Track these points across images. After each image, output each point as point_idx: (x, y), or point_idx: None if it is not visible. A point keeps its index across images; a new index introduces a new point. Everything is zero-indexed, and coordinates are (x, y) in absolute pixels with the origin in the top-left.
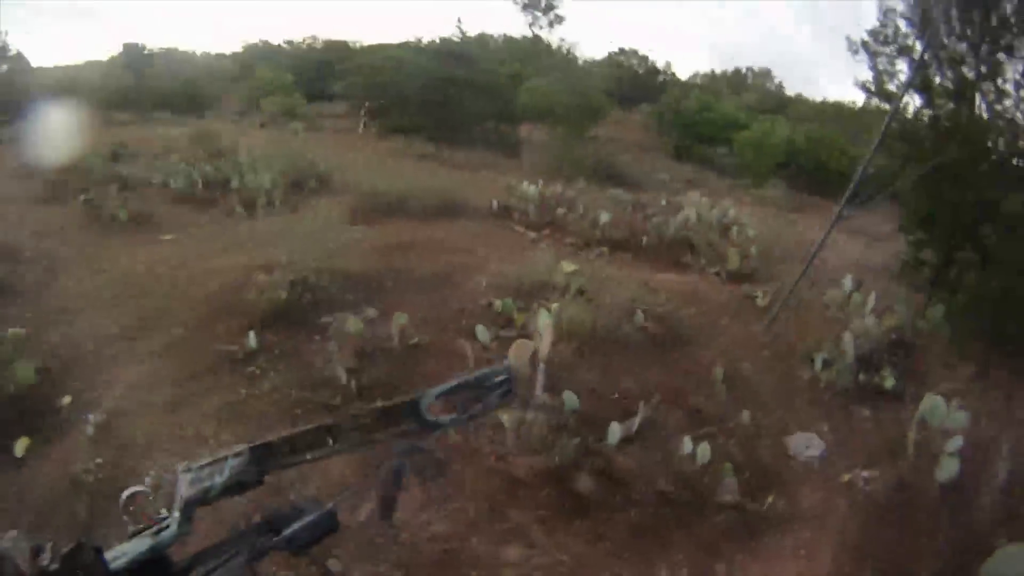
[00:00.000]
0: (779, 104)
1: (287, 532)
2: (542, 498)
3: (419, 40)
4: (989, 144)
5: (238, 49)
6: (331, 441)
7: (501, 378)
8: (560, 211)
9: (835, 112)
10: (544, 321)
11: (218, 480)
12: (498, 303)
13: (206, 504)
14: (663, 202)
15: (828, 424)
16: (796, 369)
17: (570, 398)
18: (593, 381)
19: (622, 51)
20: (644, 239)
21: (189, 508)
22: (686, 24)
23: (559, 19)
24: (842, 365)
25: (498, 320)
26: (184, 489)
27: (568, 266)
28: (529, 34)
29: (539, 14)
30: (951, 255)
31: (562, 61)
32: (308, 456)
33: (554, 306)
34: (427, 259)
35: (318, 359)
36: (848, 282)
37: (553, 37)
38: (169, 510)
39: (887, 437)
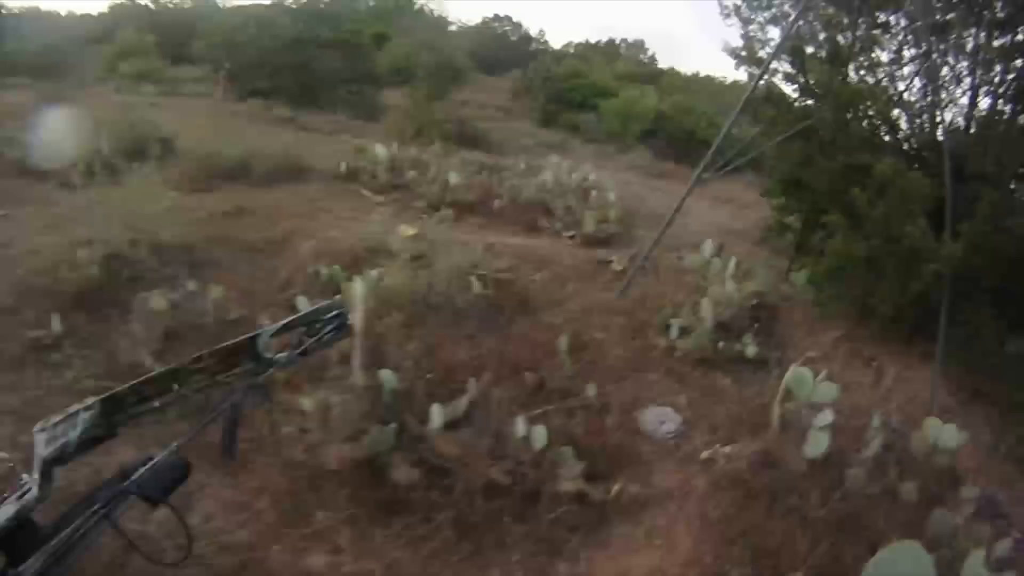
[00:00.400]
0: (651, 75)
1: (135, 477)
2: (354, 494)
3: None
4: (860, 111)
5: (104, 9)
6: (176, 386)
7: (334, 313)
8: (411, 174)
9: (705, 84)
10: (358, 290)
11: (72, 435)
12: (325, 271)
13: (64, 463)
14: (522, 166)
15: (686, 396)
16: (651, 338)
17: (388, 376)
18: (421, 356)
19: (496, 17)
20: (497, 202)
21: (48, 468)
22: None
23: None
24: (700, 332)
25: (326, 290)
26: (41, 449)
27: (407, 230)
28: None
29: None
30: (817, 220)
31: (427, 23)
32: (156, 403)
33: (372, 273)
34: (263, 226)
35: (125, 342)
36: (709, 247)
37: None
38: (30, 474)
39: (750, 409)
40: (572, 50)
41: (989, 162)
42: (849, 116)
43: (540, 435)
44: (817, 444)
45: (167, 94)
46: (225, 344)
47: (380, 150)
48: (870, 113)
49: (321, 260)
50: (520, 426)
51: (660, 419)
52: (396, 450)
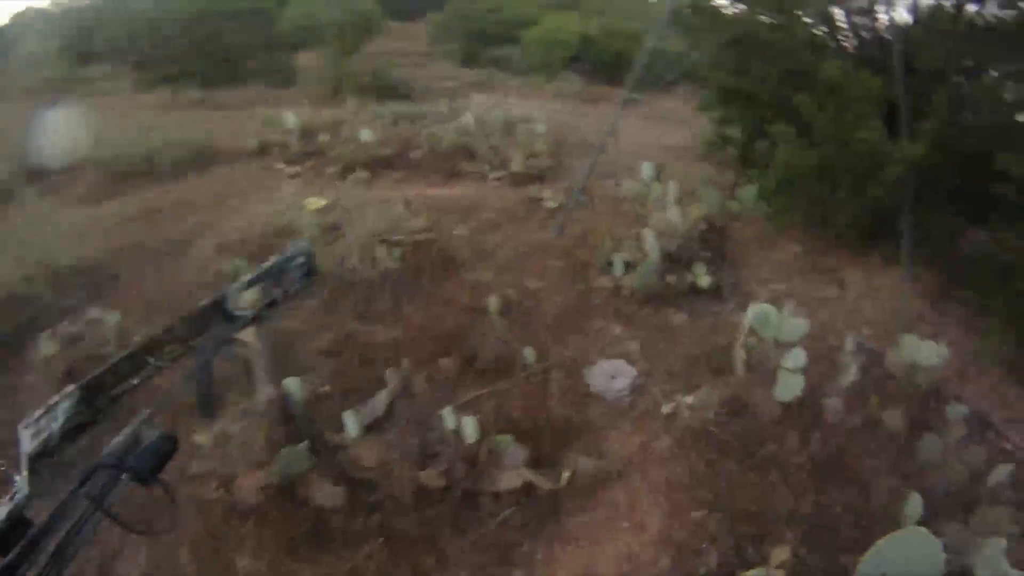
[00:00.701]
0: (573, 2)
1: (124, 458)
2: (271, 527)
3: None
4: (799, 13)
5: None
6: (152, 360)
7: (300, 260)
8: (323, 138)
9: (631, 3)
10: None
11: (55, 427)
12: (230, 268)
13: (50, 455)
14: (444, 110)
15: (638, 342)
16: (594, 279)
17: (293, 385)
18: (335, 348)
19: None
20: (416, 153)
21: (35, 464)
22: None
23: None
24: (646, 267)
25: None
26: (26, 445)
27: (315, 202)
28: None
29: None
30: (761, 130)
31: None
32: (135, 381)
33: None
34: (169, 227)
35: (26, 396)
36: (647, 169)
37: None
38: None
39: (710, 348)
40: None
41: (939, 57)
42: (786, 18)
43: (470, 427)
44: (789, 387)
45: (82, 96)
46: (193, 309)
47: (290, 118)
48: (809, 19)
49: (227, 255)
50: (448, 417)
51: (611, 374)
52: (314, 469)
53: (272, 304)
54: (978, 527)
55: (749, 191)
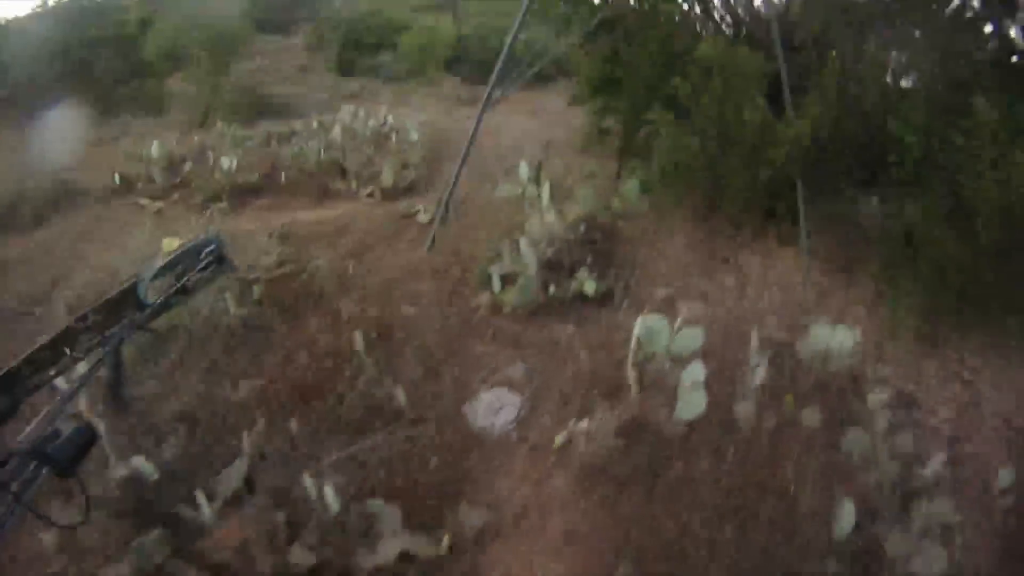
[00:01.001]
0: (446, 5)
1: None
2: None
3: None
4: None
5: None
6: (68, 351)
7: (209, 249)
8: (187, 167)
9: (508, 4)
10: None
11: None
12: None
13: None
14: (314, 124)
15: (523, 365)
16: (472, 297)
17: (144, 465)
18: (190, 411)
19: None
20: (285, 175)
21: None
22: None
23: None
24: (525, 279)
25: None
26: None
27: (171, 243)
28: None
29: None
30: (639, 118)
31: None
32: (53, 372)
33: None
34: (24, 283)
35: None
36: (524, 169)
37: None
38: None
39: (603, 364)
40: None
41: (816, 30)
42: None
43: (332, 496)
44: (691, 405)
45: None
46: (107, 297)
47: (154, 148)
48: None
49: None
50: (309, 485)
51: (495, 407)
52: (174, 556)
53: (184, 291)
54: (918, 526)
55: (631, 186)
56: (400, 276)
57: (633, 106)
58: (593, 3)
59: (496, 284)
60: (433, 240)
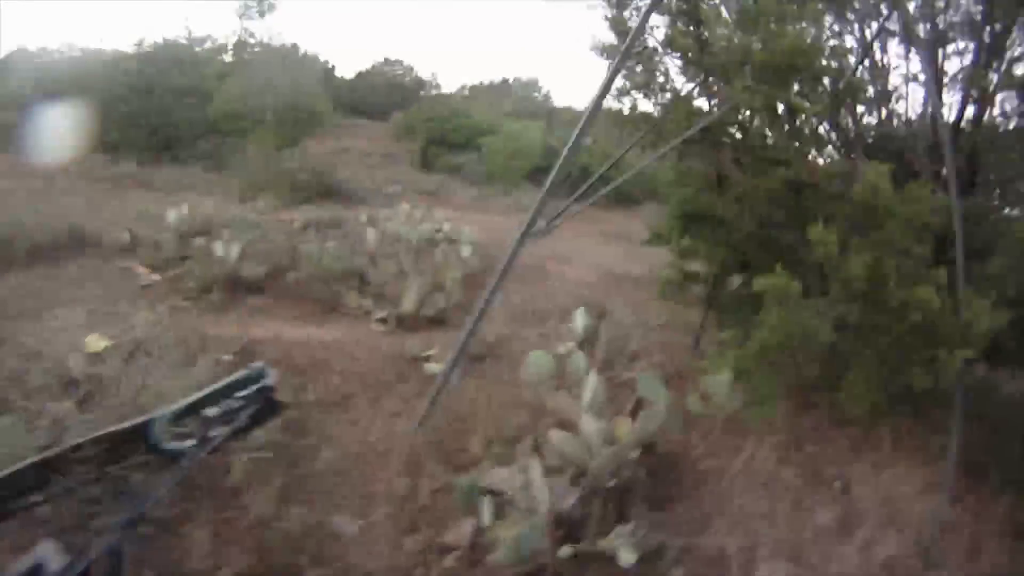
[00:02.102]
0: (543, 113)
1: None
2: None
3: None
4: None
5: None
6: (57, 476)
7: (255, 388)
8: (199, 242)
9: (601, 117)
10: None
11: None
12: None
13: None
14: (363, 218)
15: None
16: (447, 523)
17: None
18: None
19: (387, 61)
20: (295, 275)
21: None
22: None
23: (270, 7)
24: (529, 529)
25: None
26: None
27: (95, 342)
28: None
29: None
30: (742, 273)
31: (273, 58)
32: (37, 497)
33: None
34: None
35: None
36: (580, 320)
37: (264, 29)
38: None
39: None
40: (466, 92)
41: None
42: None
43: None
44: None
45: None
46: (112, 430)
47: (171, 214)
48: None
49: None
50: None
51: None
52: None
53: (214, 446)
54: None
55: (720, 381)
56: (361, 459)
57: (734, 255)
58: (690, 106)
59: (486, 514)
60: (426, 416)
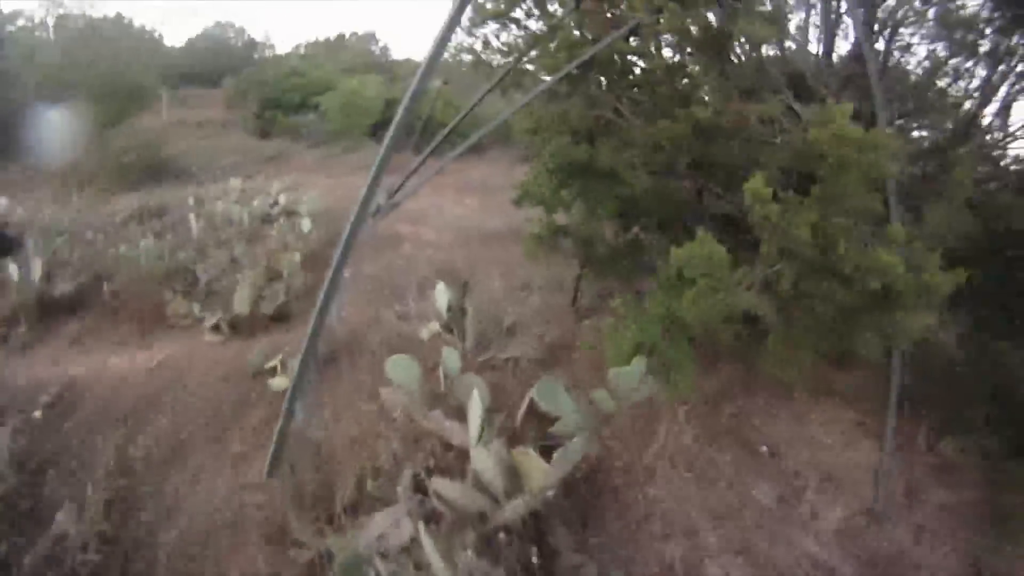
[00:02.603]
0: (382, 67)
1: None
2: None
3: None
4: None
5: None
6: None
7: None
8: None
9: (447, 64)
10: None
11: None
12: None
13: None
14: (190, 201)
15: None
16: None
17: None
18: None
19: (218, 24)
20: (117, 283)
21: None
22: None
23: None
24: None
25: None
26: None
27: None
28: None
29: None
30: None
31: (92, 30)
32: None
33: None
34: None
35: None
36: (442, 296)
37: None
38: None
39: None
40: (302, 52)
41: None
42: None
43: None
44: None
45: None
46: None
47: None
48: None
49: None
50: None
51: None
52: None
53: None
54: None
55: (629, 375)
56: (210, 536)
57: (621, 209)
58: (570, 35)
59: None
60: (276, 458)
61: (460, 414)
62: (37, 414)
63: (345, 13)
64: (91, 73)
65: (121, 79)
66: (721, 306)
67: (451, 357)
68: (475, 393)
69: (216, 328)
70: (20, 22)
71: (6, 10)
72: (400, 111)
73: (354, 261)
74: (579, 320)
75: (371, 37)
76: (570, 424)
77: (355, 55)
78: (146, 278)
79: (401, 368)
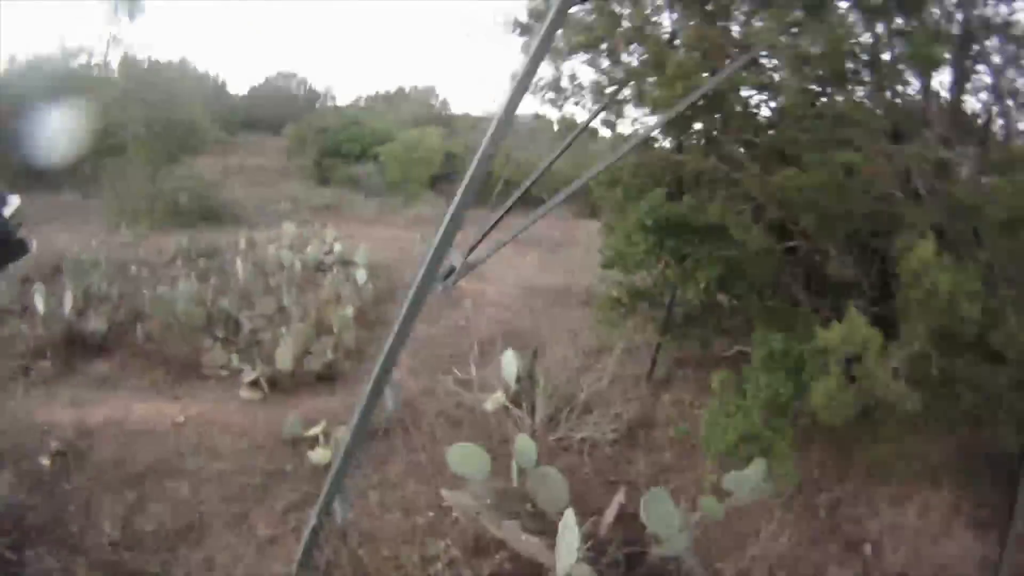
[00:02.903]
0: (441, 120)
1: None
2: None
3: None
4: None
5: None
6: None
7: None
8: (36, 289)
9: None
10: None
11: None
12: None
13: None
14: (241, 244)
15: None
16: None
17: None
18: None
19: (280, 74)
20: (141, 329)
21: None
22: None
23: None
24: None
25: None
26: None
27: None
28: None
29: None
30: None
31: (151, 72)
32: None
33: None
34: None
35: None
36: (510, 365)
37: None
38: None
39: None
40: (362, 103)
41: None
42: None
43: None
44: None
45: None
46: None
47: None
48: None
49: None
50: None
51: None
52: None
53: None
54: None
55: (745, 479)
56: None
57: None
58: (692, 57)
59: None
60: (307, 554)
61: (537, 518)
62: (44, 461)
63: (406, 67)
64: (148, 112)
65: (176, 119)
66: (865, 397)
67: (526, 448)
68: (568, 515)
69: (254, 384)
70: (82, 58)
71: (69, 45)
72: (475, 160)
73: (425, 317)
74: (656, 392)
75: (431, 91)
76: (677, 546)
77: (415, 107)
78: (184, 321)
79: (467, 459)
